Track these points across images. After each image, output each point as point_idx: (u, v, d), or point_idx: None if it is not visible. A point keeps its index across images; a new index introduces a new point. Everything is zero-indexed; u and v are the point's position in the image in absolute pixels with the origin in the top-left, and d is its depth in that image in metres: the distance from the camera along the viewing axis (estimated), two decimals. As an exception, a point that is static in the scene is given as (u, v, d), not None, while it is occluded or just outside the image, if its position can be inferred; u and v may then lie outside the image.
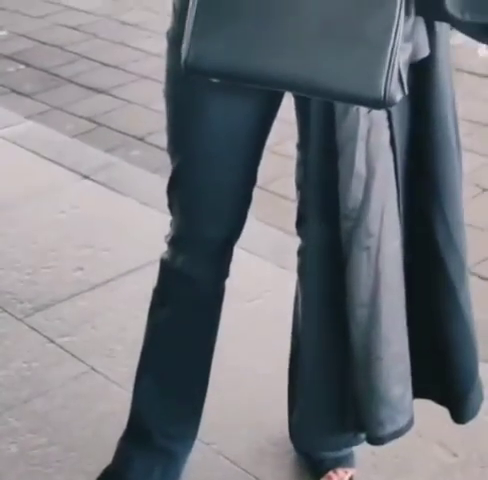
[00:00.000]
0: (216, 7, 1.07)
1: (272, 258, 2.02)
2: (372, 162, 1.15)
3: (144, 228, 2.13)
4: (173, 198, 1.28)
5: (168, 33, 1.25)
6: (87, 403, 1.58)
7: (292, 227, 1.36)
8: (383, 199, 1.17)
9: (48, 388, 1.62)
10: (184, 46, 1.07)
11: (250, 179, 1.26)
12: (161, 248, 1.30)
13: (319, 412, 1.26)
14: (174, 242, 1.26)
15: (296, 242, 1.33)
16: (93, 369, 1.66)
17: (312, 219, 1.23)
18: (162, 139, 1.35)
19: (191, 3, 1.08)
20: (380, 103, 1.05)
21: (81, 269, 2.03)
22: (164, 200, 1.30)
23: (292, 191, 1.34)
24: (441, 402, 1.29)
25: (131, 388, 1.34)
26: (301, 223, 1.30)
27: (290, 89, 1.12)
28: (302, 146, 1.26)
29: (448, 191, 1.21)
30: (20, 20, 4.22)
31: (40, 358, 1.72)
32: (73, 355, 1.71)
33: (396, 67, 1.04)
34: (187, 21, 1.09)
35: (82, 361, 1.69)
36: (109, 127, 3.01)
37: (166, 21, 1.28)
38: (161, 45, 1.26)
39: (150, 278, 1.33)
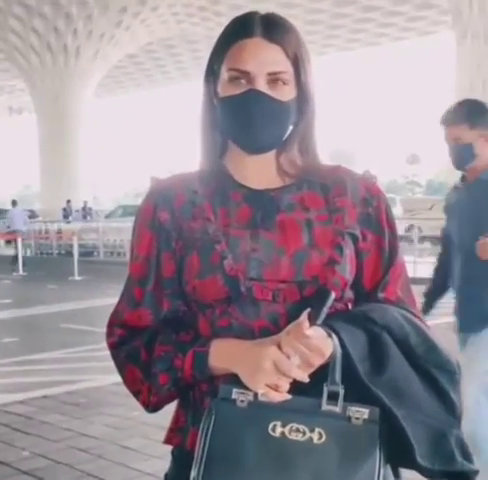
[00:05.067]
0: (223, 460, 1.08)
1: None
2: None
3: None
4: None
5: (166, 475, 1.29)
6: None
7: None
8: None
9: None
10: None
11: None
12: None
13: None
14: None
15: None
16: None
17: None
18: None
19: (198, 456, 1.09)
20: None
21: None
22: None
23: None
24: None
25: None
26: None
27: None
28: None
29: None
30: (41, 443, 4.51)
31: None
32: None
33: None
34: (195, 467, 1.09)
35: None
36: None
37: (161, 447, 1.36)
38: (155, 467, 1.45)
39: None
